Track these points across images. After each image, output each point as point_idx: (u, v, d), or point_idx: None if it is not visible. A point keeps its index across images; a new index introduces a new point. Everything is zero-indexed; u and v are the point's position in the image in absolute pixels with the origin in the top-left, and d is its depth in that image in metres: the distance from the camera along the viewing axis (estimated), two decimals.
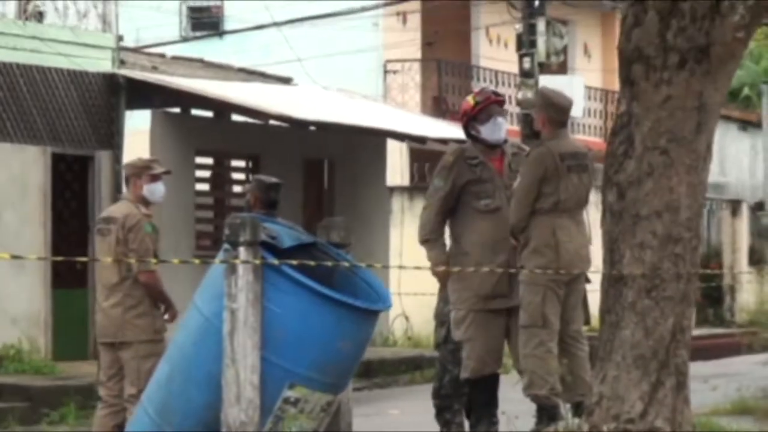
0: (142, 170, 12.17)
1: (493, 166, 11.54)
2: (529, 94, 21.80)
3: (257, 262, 7.61)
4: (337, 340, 8.00)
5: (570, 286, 11.45)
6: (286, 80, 27.20)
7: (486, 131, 11.55)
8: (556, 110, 11.63)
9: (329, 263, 8.44)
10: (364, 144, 26.87)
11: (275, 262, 7.77)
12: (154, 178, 12.09)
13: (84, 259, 18.32)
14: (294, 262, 7.88)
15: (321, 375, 7.91)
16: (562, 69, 30.16)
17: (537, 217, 11.18)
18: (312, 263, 8.09)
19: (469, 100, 12.21)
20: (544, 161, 11.22)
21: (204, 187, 24.94)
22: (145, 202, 11.88)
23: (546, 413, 11.25)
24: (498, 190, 11.39)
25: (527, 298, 11.12)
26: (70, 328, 21.46)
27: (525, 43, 24.87)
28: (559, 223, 11.24)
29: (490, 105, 11.82)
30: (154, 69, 24.17)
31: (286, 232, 8.58)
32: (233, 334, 7.62)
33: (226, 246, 7.85)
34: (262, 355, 7.68)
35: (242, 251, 7.65)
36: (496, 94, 12.18)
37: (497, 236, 11.33)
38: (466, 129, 11.97)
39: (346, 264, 8.60)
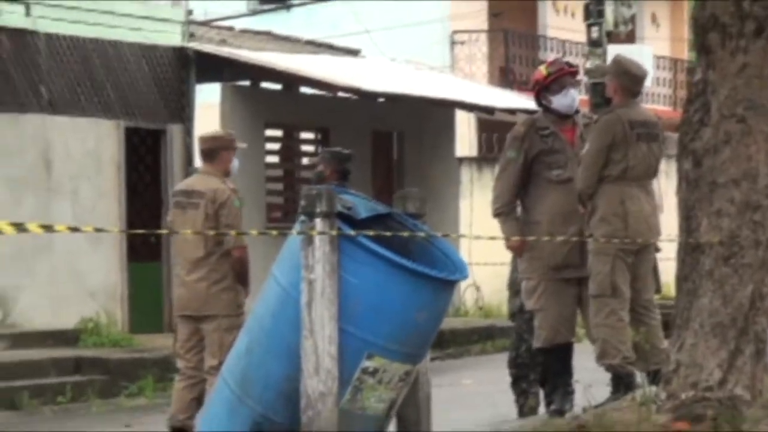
0: (231, 143, 12.21)
1: (565, 137, 11.47)
2: (598, 62, 21.85)
3: (334, 233, 7.52)
4: (414, 310, 7.86)
5: (639, 255, 11.42)
6: (354, 52, 27.32)
7: (558, 102, 11.46)
8: (630, 79, 11.53)
9: (405, 234, 8.31)
10: (433, 115, 26.89)
11: (352, 233, 7.68)
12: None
13: (162, 231, 18.44)
14: (370, 233, 7.78)
15: (399, 345, 7.79)
16: (630, 38, 29.84)
17: (605, 185, 11.14)
18: (388, 234, 8.00)
19: (542, 70, 12.16)
20: (613, 128, 11.14)
21: (273, 159, 25.03)
22: (229, 175, 11.98)
23: (622, 382, 11.22)
24: (570, 161, 11.35)
25: (596, 268, 11.12)
26: (146, 302, 21.75)
27: (593, 13, 24.51)
28: (627, 192, 11.15)
29: (563, 76, 11.73)
30: (223, 42, 24.26)
31: (361, 203, 8.49)
32: (311, 305, 7.53)
33: (302, 217, 7.77)
34: (340, 326, 7.58)
35: (318, 222, 7.57)
36: (569, 65, 12.20)
37: (568, 207, 11.28)
38: (538, 99, 11.89)
39: (422, 234, 8.48)
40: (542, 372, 12.05)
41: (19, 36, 19.81)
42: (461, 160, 27.82)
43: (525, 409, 12.61)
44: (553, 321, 11.40)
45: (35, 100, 20.03)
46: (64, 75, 20.76)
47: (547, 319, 11.43)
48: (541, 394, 12.44)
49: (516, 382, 12.55)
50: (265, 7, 30.75)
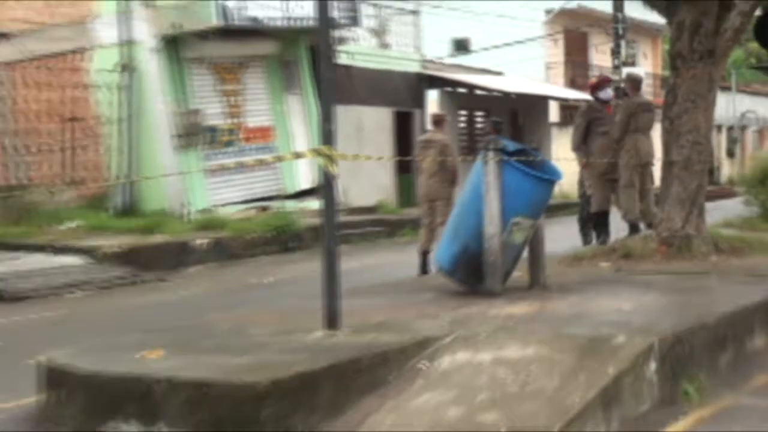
0: (444, 117, 17.25)
1: (606, 112, 16.56)
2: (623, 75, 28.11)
3: (497, 159, 10.48)
4: (536, 195, 10.93)
5: (644, 168, 16.16)
6: (500, 73, 36.63)
7: (601, 94, 17.02)
8: (636, 83, 16.57)
9: (530, 158, 11.17)
10: (538, 102, 38.22)
11: (505, 158, 10.53)
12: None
13: (409, 158, 26.56)
14: (514, 159, 10.64)
15: (528, 212, 10.71)
16: (632, 63, 40.10)
17: (628, 134, 15.88)
18: (523, 158, 10.89)
19: (594, 80, 18.64)
20: (630, 107, 16.09)
21: (462, 125, 35.37)
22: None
23: (633, 229, 16.06)
24: (607, 124, 16.40)
25: (623, 174, 15.93)
26: (405, 192, 31.18)
27: (615, 52, 33.75)
28: (638, 137, 16.10)
29: (603, 82, 17.50)
30: (438, 69, 33.36)
31: (509, 143, 11.32)
32: (487, 193, 10.44)
33: (482, 152, 10.72)
34: (501, 204, 10.43)
35: (491, 154, 10.44)
36: (605, 77, 18.71)
37: (606, 145, 16.36)
38: (592, 93, 17.46)
39: (539, 158, 11.52)
40: (594, 224, 16.83)
41: (346, 69, 27.30)
42: (551, 124, 39.01)
43: (586, 243, 17.11)
44: (600, 199, 16.36)
45: (354, 98, 27.81)
46: (367, 86, 29.23)
47: (596, 198, 16.50)
48: (594, 235, 17.05)
49: (581, 230, 17.34)
50: (458, 53, 38.94)
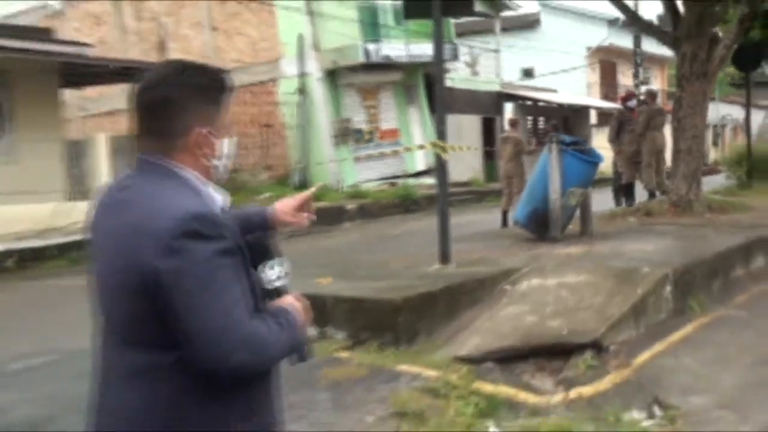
0: (518, 121, 16.88)
1: (632, 116, 15.91)
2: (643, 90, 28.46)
3: (558, 148, 10.83)
4: (585, 172, 11.11)
5: (659, 154, 15.57)
6: (554, 91, 35.36)
7: (629, 104, 16.18)
8: (653, 95, 16.01)
9: (581, 147, 11.38)
10: (582, 110, 36.29)
11: (563, 147, 10.86)
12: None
13: (492, 149, 24.09)
14: (570, 148, 10.96)
15: (580, 184, 10.91)
16: (647, 83, 35.91)
17: (648, 131, 15.32)
18: (576, 147, 11.13)
19: (623, 93, 17.83)
20: (650, 112, 15.46)
21: (529, 127, 33.76)
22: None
23: (651, 195, 15.63)
24: (633, 124, 15.73)
25: (644, 158, 15.38)
26: (489, 172, 28.46)
27: (636, 75, 33.33)
28: (655, 133, 15.51)
29: (630, 95, 16.68)
30: (513, 88, 32.67)
31: (567, 137, 11.69)
32: (552, 171, 10.78)
33: (547, 144, 11.10)
34: (561, 179, 10.74)
35: (553, 146, 10.82)
36: (631, 92, 17.59)
37: (632, 139, 15.71)
38: (622, 103, 16.64)
39: (587, 147, 11.67)
40: (624, 193, 16.37)
41: (449, 90, 25.19)
42: (592, 125, 37.07)
43: (617, 205, 16.30)
44: (628, 175, 15.78)
45: (455, 109, 26.28)
46: (463, 101, 27.80)
47: (625, 174, 15.87)
48: (623, 201, 16.48)
49: (614, 197, 16.67)
50: (525, 78, 38.38)
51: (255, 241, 2.24)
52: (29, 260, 14.44)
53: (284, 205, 2.67)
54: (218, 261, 2.05)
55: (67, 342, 8.09)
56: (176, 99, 2.19)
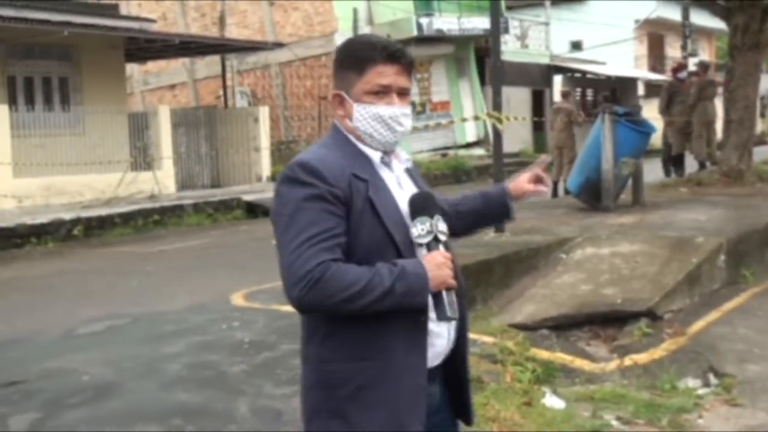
0: (568, 93, 16.51)
1: (682, 87, 15.63)
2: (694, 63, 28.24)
3: (611, 119, 10.93)
4: (637, 142, 11.17)
5: (710, 125, 15.29)
6: (603, 63, 34.31)
7: (679, 75, 15.77)
8: (705, 67, 15.64)
9: (634, 117, 11.50)
10: (630, 82, 34.98)
11: (617, 118, 10.97)
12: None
13: (542, 120, 23.36)
14: (622, 118, 11.06)
15: (633, 154, 10.99)
16: (695, 55, 34.34)
17: (699, 102, 15.05)
18: (629, 118, 11.21)
19: (674, 65, 17.34)
20: (702, 83, 15.16)
21: (577, 98, 31.97)
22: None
23: (701, 166, 15.43)
24: (683, 95, 15.44)
25: (695, 128, 15.10)
26: (538, 143, 28.03)
27: (685, 47, 32.56)
28: (706, 104, 15.21)
29: (680, 67, 16.23)
30: (562, 61, 32.25)
31: (619, 108, 11.76)
32: (604, 141, 10.90)
33: (600, 114, 11.17)
34: (613, 149, 10.83)
35: (606, 116, 10.90)
36: (682, 63, 17.03)
37: (682, 110, 15.40)
38: (673, 75, 16.28)
39: (640, 118, 11.77)
40: (674, 163, 16.12)
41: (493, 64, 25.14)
42: (639, 97, 35.36)
43: (667, 175, 16.03)
44: (678, 146, 15.50)
45: (505, 82, 25.06)
46: (513, 74, 26.82)
47: (675, 145, 15.60)
48: (672, 171, 16.17)
49: (663, 167, 16.31)
50: (574, 50, 37.70)
51: (413, 198, 2.32)
52: (95, 228, 14.55)
53: (521, 179, 2.84)
54: (304, 204, 2.22)
55: (131, 307, 8.21)
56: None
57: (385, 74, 2.36)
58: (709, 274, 7.85)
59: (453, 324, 2.41)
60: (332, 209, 2.24)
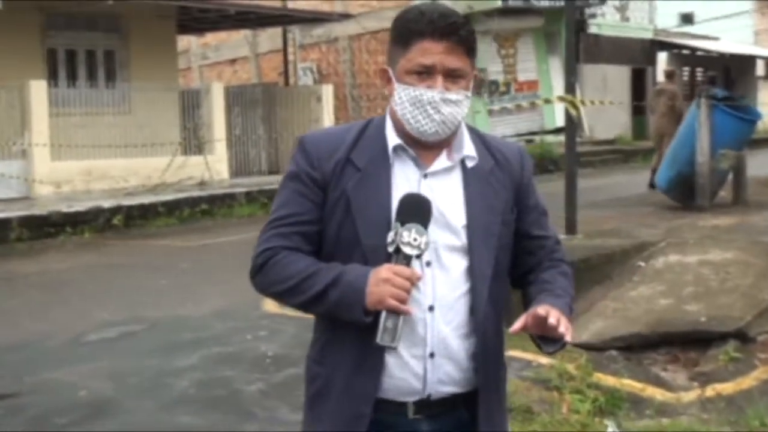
0: (673, 72, 16.17)
1: None
2: None
3: (708, 103, 10.64)
4: (739, 131, 10.84)
5: None
6: (716, 38, 33.20)
7: None
8: None
9: (737, 103, 11.20)
10: (747, 61, 34.11)
11: (714, 102, 10.70)
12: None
13: (642, 103, 21.48)
14: (722, 104, 10.75)
15: (734, 144, 10.74)
16: None
17: None
18: (730, 103, 10.87)
19: None
20: None
21: (685, 78, 31.33)
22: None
23: None
24: None
25: None
26: (639, 129, 27.93)
27: None
28: None
29: None
30: (668, 36, 31.09)
31: (719, 91, 11.46)
32: (700, 129, 10.65)
33: (696, 98, 10.94)
34: (711, 138, 10.59)
35: (703, 99, 10.64)
36: None
37: None
38: None
39: (745, 104, 11.68)
40: None
41: (595, 37, 24.81)
42: (758, 77, 34.91)
43: None
44: None
45: (601, 59, 27.02)
46: (611, 50, 27.20)
47: None
48: None
49: None
50: (684, 24, 34.86)
51: (401, 199, 2.20)
52: (137, 217, 14.62)
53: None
54: (285, 182, 2.32)
55: (152, 310, 8.18)
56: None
57: (430, 52, 2.23)
58: None
59: (437, 359, 2.26)
60: (305, 192, 2.27)
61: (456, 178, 2.31)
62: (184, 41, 24.36)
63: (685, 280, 7.53)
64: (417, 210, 2.18)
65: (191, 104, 18.69)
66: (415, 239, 2.15)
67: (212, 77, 28.15)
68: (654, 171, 15.04)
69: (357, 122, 2.40)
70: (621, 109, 27.41)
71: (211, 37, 28.01)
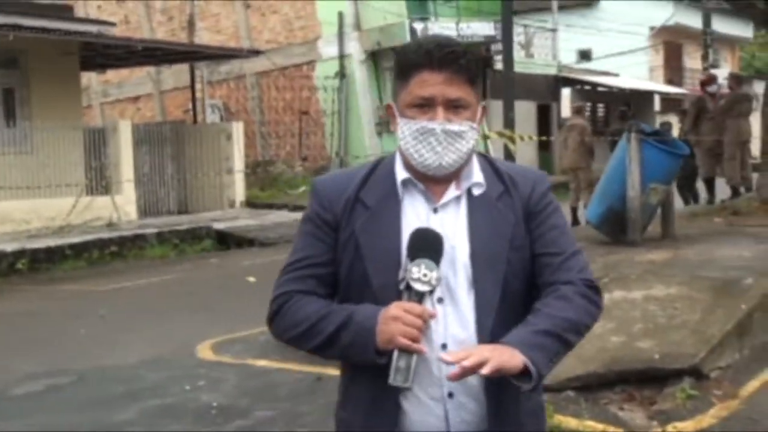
0: (581, 108, 16.46)
1: (713, 102, 15.59)
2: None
3: (638, 138, 10.30)
4: (668, 166, 10.62)
5: (744, 145, 15.18)
6: (615, 75, 34.67)
7: (709, 89, 15.78)
8: (739, 79, 15.91)
9: (664, 138, 11.06)
10: (645, 96, 34.86)
11: (643, 137, 10.40)
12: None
13: (550, 138, 22.62)
14: (650, 139, 10.54)
15: (662, 180, 10.49)
16: (716, 66, 35.16)
17: (732, 119, 14.99)
18: (657, 137, 10.74)
19: (703, 77, 17.21)
20: (736, 97, 15.18)
21: (588, 113, 31.98)
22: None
23: (734, 192, 15.30)
24: (711, 111, 15.40)
25: (727, 149, 15.00)
26: (544, 164, 27.35)
27: (708, 59, 32.93)
28: (740, 121, 15.07)
29: (711, 79, 16.26)
30: (570, 71, 32.39)
31: (647, 126, 11.44)
32: (630, 164, 10.25)
33: (626, 133, 10.52)
34: (641, 173, 10.21)
35: (633, 135, 10.34)
36: (712, 75, 16.73)
37: (712, 128, 15.29)
38: (702, 88, 16.32)
39: (670, 138, 11.48)
40: (706, 188, 15.79)
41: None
42: (656, 112, 34.76)
43: (686, 204, 15.58)
44: (707, 167, 15.44)
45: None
46: (516, 86, 25.08)
47: (704, 166, 15.49)
48: (699, 197, 16.00)
49: (681, 194, 15.21)
50: (582, 61, 38.23)
51: (411, 235, 2.17)
52: (42, 261, 14.16)
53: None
54: (301, 226, 2.35)
55: (77, 361, 7.81)
56: None
57: (429, 83, 2.21)
58: (762, 323, 7.37)
59: (457, 399, 2.21)
60: (318, 234, 2.28)
61: (462, 208, 2.27)
62: (85, 78, 23.77)
63: (633, 316, 7.44)
64: (427, 245, 2.15)
65: (96, 143, 18.19)
66: (425, 275, 2.12)
67: (115, 115, 27.73)
68: (574, 209, 15.30)
69: (368, 161, 2.42)
70: (528, 145, 27.67)
71: (112, 75, 27.57)
